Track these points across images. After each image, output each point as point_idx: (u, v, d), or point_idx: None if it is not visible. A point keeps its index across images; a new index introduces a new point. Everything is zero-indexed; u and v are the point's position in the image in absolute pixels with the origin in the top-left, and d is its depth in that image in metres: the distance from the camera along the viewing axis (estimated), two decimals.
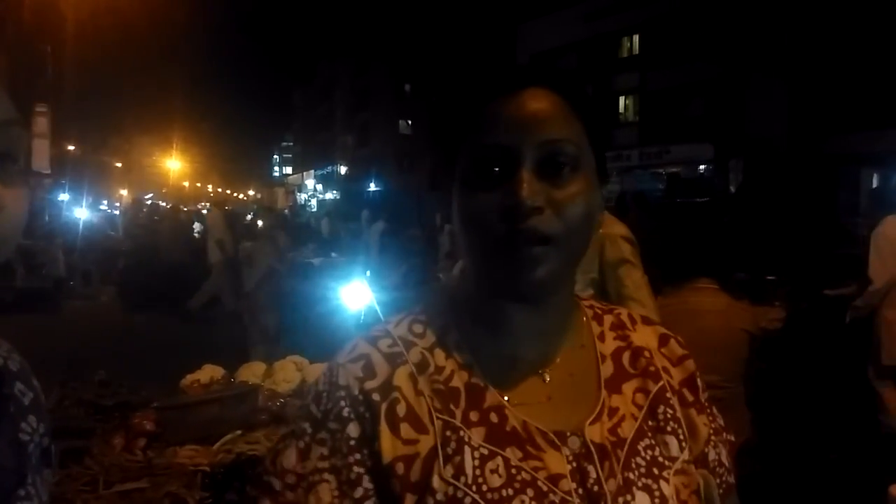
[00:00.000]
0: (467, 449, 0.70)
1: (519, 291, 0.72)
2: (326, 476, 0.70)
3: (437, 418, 0.71)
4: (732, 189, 18.58)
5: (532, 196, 0.69)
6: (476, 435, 0.71)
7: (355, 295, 6.66)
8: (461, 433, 0.71)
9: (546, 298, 0.74)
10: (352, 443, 0.70)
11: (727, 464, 0.83)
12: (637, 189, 13.95)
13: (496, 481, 0.69)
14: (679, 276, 3.06)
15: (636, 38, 24.76)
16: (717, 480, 0.81)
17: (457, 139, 0.76)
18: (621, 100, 25.90)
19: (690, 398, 0.81)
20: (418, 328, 0.79)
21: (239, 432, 1.96)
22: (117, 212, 23.74)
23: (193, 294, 9.50)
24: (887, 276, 4.26)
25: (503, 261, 0.70)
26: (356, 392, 0.72)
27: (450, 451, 0.70)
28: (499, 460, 0.70)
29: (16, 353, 0.70)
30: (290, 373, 2.47)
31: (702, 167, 21.74)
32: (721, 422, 0.86)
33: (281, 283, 7.13)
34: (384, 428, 0.70)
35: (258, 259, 7.08)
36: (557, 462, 0.71)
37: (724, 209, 12.40)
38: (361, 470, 0.70)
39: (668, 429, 0.77)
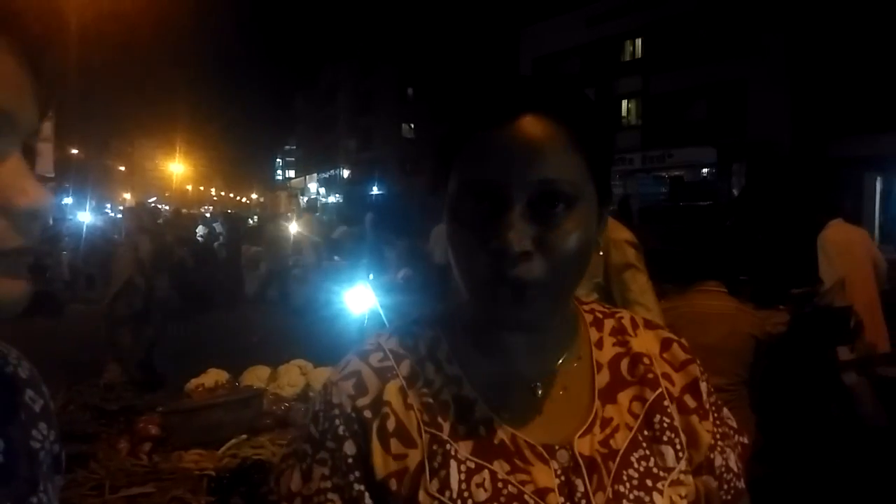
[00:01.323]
0: (453, 462, 0.70)
1: (506, 327, 0.72)
2: (331, 496, 0.70)
3: (425, 432, 0.71)
4: (735, 193, 18.57)
5: (521, 242, 0.65)
6: (463, 448, 0.71)
7: (359, 299, 6.64)
8: (447, 446, 0.70)
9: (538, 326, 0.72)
10: (349, 461, 0.70)
11: (736, 469, 0.81)
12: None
13: (482, 495, 0.68)
14: (686, 279, 3.05)
15: (639, 41, 24.73)
16: (725, 486, 0.79)
17: (446, 164, 0.73)
18: (624, 103, 25.86)
19: (692, 404, 0.79)
20: (410, 340, 0.78)
21: (244, 436, 1.97)
22: (121, 215, 23.78)
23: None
24: (835, 276, 4.59)
25: (490, 300, 0.68)
26: (349, 410, 0.72)
27: (436, 464, 0.70)
28: (485, 474, 0.70)
29: (25, 360, 0.70)
30: (294, 377, 2.48)
31: (705, 171, 21.69)
32: (733, 424, 0.84)
33: (142, 298, 6.24)
34: (376, 445, 0.70)
35: (116, 270, 6.33)
36: (545, 476, 0.70)
37: (726, 213, 12.41)
38: (361, 487, 0.70)
39: (665, 438, 0.75)
